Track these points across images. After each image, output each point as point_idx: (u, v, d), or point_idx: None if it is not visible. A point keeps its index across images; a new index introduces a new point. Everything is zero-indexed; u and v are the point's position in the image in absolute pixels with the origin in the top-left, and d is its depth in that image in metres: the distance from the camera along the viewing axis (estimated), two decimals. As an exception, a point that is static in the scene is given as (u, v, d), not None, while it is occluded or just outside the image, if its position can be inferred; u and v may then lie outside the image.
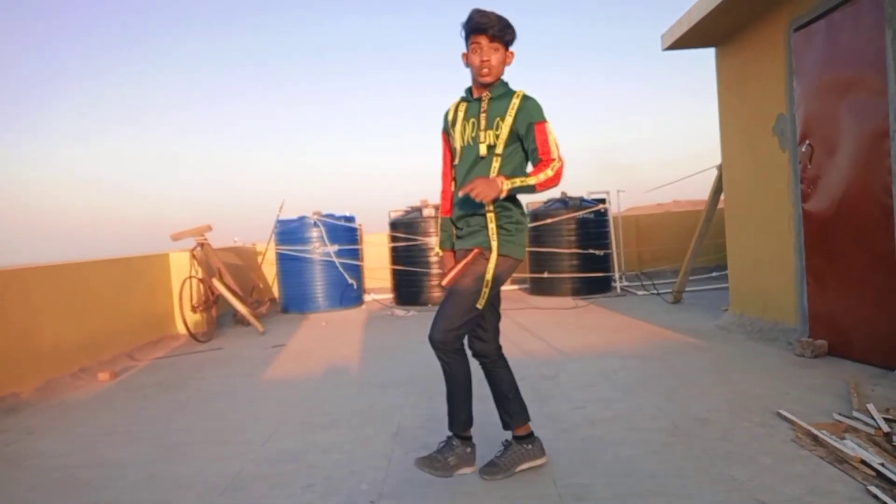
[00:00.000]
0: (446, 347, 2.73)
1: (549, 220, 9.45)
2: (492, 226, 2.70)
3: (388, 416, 3.83)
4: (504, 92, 2.73)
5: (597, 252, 9.24)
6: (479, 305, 2.70)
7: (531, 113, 2.66)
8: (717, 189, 7.27)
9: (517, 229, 2.75)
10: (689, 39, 6.03)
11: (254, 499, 2.84)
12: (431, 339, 2.75)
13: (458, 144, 2.79)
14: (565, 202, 9.64)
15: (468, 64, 2.72)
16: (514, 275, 11.69)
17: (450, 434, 2.89)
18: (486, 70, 2.65)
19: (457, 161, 2.81)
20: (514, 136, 2.69)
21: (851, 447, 2.80)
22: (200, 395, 4.86)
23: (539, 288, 9.66)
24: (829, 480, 2.58)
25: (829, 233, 4.62)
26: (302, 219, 9.66)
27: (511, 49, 2.72)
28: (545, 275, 9.44)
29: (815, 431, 3.02)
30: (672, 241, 10.85)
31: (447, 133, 2.88)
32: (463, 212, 2.78)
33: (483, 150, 2.70)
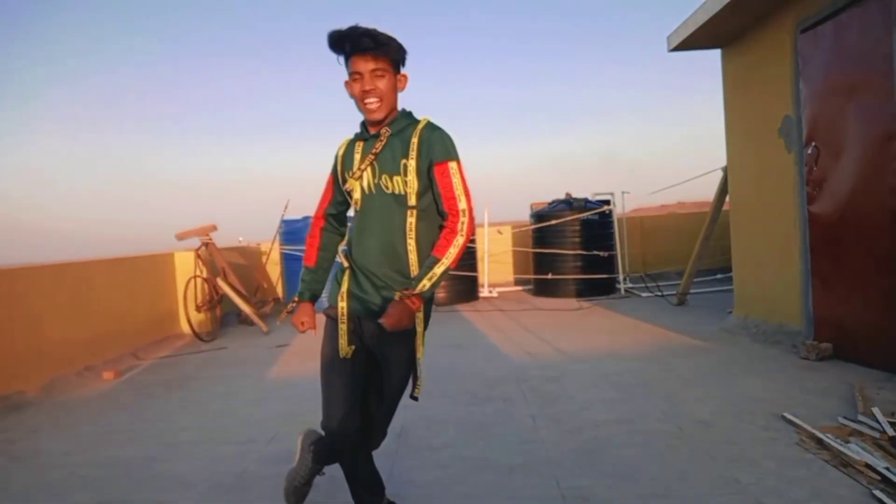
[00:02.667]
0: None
1: (553, 222, 9.44)
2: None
3: (391, 417, 3.83)
4: (406, 125, 2.16)
5: (601, 254, 9.23)
6: (415, 396, 2.28)
7: (433, 148, 2.09)
8: (723, 191, 7.25)
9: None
10: (695, 41, 6.02)
11: (257, 498, 2.84)
12: (342, 436, 2.18)
13: (357, 194, 2.18)
14: (569, 203, 9.63)
15: (351, 95, 2.15)
16: (518, 276, 11.63)
17: None
18: (371, 101, 2.09)
19: (358, 211, 2.20)
20: (425, 180, 2.11)
21: (856, 451, 2.79)
22: (204, 394, 4.87)
23: (543, 289, 9.64)
24: (833, 484, 2.57)
25: (834, 235, 4.61)
26: (306, 219, 9.67)
27: (403, 70, 2.16)
28: (549, 276, 9.43)
29: (820, 435, 3.01)
30: (676, 243, 10.82)
31: (334, 175, 2.30)
32: (378, 273, 2.15)
33: (391, 201, 2.12)
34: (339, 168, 2.26)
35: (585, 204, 9.59)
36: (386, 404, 2.29)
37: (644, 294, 9.10)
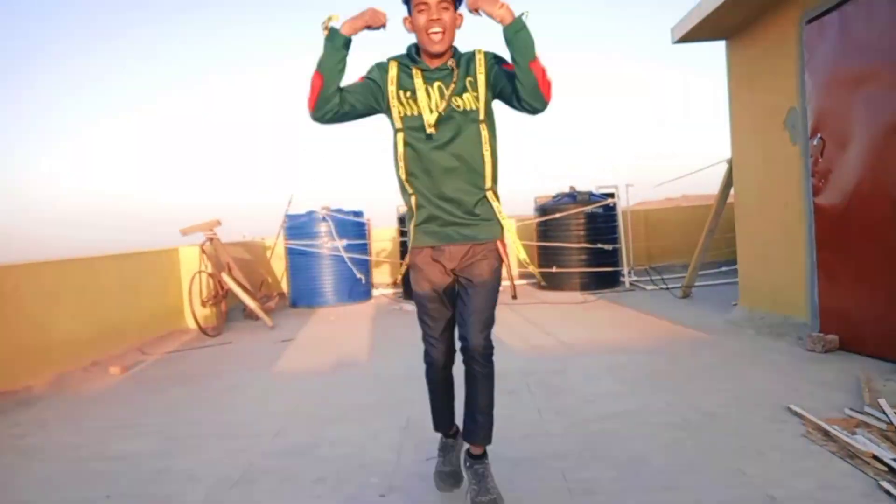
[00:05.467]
0: (489, 351, 2.37)
1: (557, 215, 9.42)
2: (497, 206, 2.40)
3: (397, 410, 3.84)
4: (465, 54, 2.36)
5: (605, 247, 9.21)
6: (514, 296, 2.52)
7: (496, 57, 2.33)
8: (728, 183, 7.22)
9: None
10: (699, 32, 5.99)
11: (264, 492, 2.85)
12: (474, 347, 2.32)
13: (427, 116, 2.29)
14: (574, 196, 9.61)
15: (412, 29, 2.29)
16: (522, 269, 11.66)
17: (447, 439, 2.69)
18: (436, 31, 2.22)
19: (430, 131, 2.30)
20: (491, 96, 2.34)
21: (863, 442, 2.78)
22: (210, 389, 4.88)
23: (547, 283, 9.63)
24: (840, 476, 2.57)
25: (840, 227, 4.59)
26: (311, 213, 9.68)
27: (459, 11, 2.31)
28: (554, 269, 9.42)
29: (826, 426, 3.01)
30: (681, 236, 10.80)
31: (371, 83, 2.35)
32: (460, 189, 2.34)
33: (463, 118, 2.31)
34: (389, 86, 2.32)
35: (590, 197, 9.58)
36: (474, 310, 2.36)
37: (649, 287, 9.09)
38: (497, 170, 2.41)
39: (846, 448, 2.79)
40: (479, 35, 2.45)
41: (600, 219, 9.53)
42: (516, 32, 2.15)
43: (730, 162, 6.80)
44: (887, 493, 2.37)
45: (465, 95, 2.29)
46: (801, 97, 4.93)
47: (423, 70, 2.32)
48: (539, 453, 3.05)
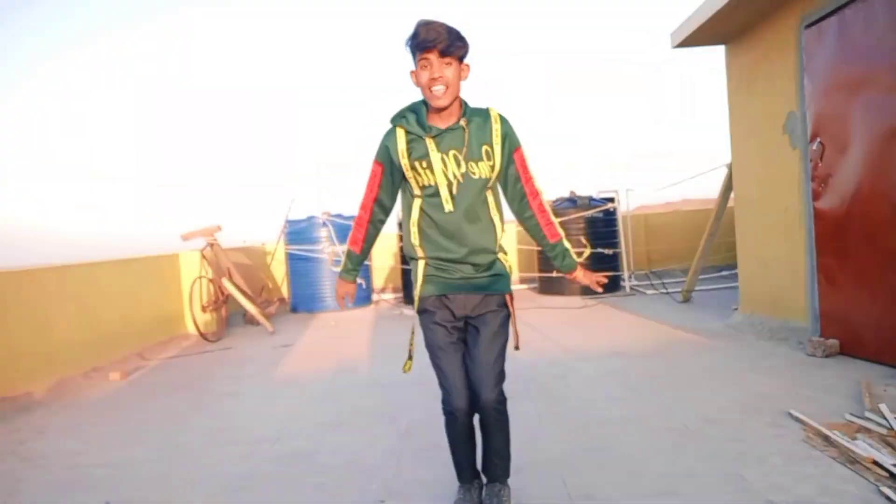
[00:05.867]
0: (503, 405, 2.41)
1: (557, 219, 9.42)
2: (507, 261, 2.47)
3: (397, 416, 3.84)
4: (478, 113, 2.35)
5: (606, 251, 9.22)
6: (517, 347, 2.53)
7: (514, 137, 2.37)
8: (728, 187, 7.23)
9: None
10: (698, 37, 6.00)
11: (264, 498, 2.85)
12: (486, 401, 2.34)
13: (444, 191, 2.29)
14: (574, 201, 9.62)
15: (417, 84, 2.30)
16: (523, 274, 11.66)
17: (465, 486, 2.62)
18: (438, 88, 2.21)
19: (448, 207, 2.30)
20: (505, 163, 2.37)
21: (863, 447, 2.78)
22: (210, 394, 4.88)
23: (548, 287, 9.64)
24: (840, 481, 2.56)
25: (840, 231, 4.59)
26: (311, 219, 9.69)
27: (466, 62, 2.30)
28: (554, 274, 9.42)
29: (827, 432, 3.01)
30: (681, 241, 10.81)
31: (385, 165, 2.38)
32: (476, 252, 2.37)
33: (478, 186, 2.31)
34: (402, 160, 2.32)
35: (590, 202, 9.58)
36: (485, 363, 2.37)
37: (649, 292, 9.09)
38: (504, 229, 2.45)
39: (846, 453, 2.78)
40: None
41: (600, 223, 9.54)
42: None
43: (730, 166, 6.80)
44: (888, 498, 2.37)
45: (481, 164, 2.30)
46: (801, 101, 4.94)
47: (434, 137, 2.28)
48: (539, 458, 3.05)
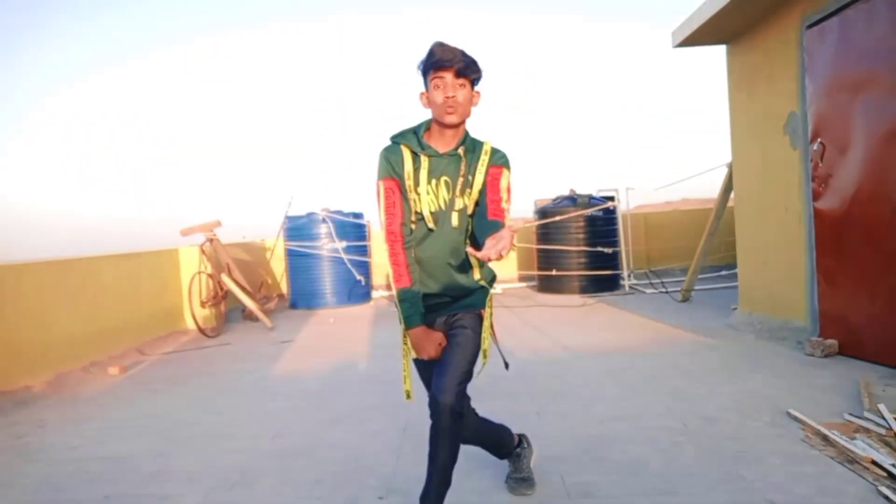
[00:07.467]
0: (458, 410, 2.23)
1: (557, 218, 9.43)
2: (479, 279, 2.40)
3: (396, 412, 3.84)
4: (476, 145, 2.33)
5: (605, 250, 9.22)
6: (484, 359, 2.41)
7: (495, 158, 2.32)
8: (727, 187, 7.23)
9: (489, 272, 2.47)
10: (699, 37, 6.00)
11: (262, 494, 2.85)
12: (442, 403, 2.18)
13: (426, 210, 2.28)
14: (574, 199, 9.62)
15: (428, 104, 2.27)
16: (522, 272, 11.65)
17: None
18: (451, 107, 2.20)
19: (430, 226, 2.29)
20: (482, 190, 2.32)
21: (862, 447, 2.78)
22: (209, 390, 4.88)
23: (547, 286, 9.64)
24: (839, 480, 2.57)
25: (840, 231, 4.59)
26: (310, 215, 9.69)
27: (477, 89, 2.29)
28: (553, 272, 9.42)
29: (826, 431, 3.01)
30: (681, 240, 10.81)
31: (398, 179, 2.30)
32: (451, 281, 2.34)
33: (456, 217, 2.30)
34: (407, 181, 2.28)
35: (590, 200, 9.58)
36: (447, 362, 2.28)
37: (648, 290, 9.09)
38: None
39: (845, 453, 2.79)
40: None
41: (600, 222, 9.53)
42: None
43: (730, 166, 6.80)
44: (886, 498, 2.37)
45: (464, 196, 2.29)
46: (802, 102, 4.93)
47: (430, 157, 2.28)
48: (538, 456, 3.04)
